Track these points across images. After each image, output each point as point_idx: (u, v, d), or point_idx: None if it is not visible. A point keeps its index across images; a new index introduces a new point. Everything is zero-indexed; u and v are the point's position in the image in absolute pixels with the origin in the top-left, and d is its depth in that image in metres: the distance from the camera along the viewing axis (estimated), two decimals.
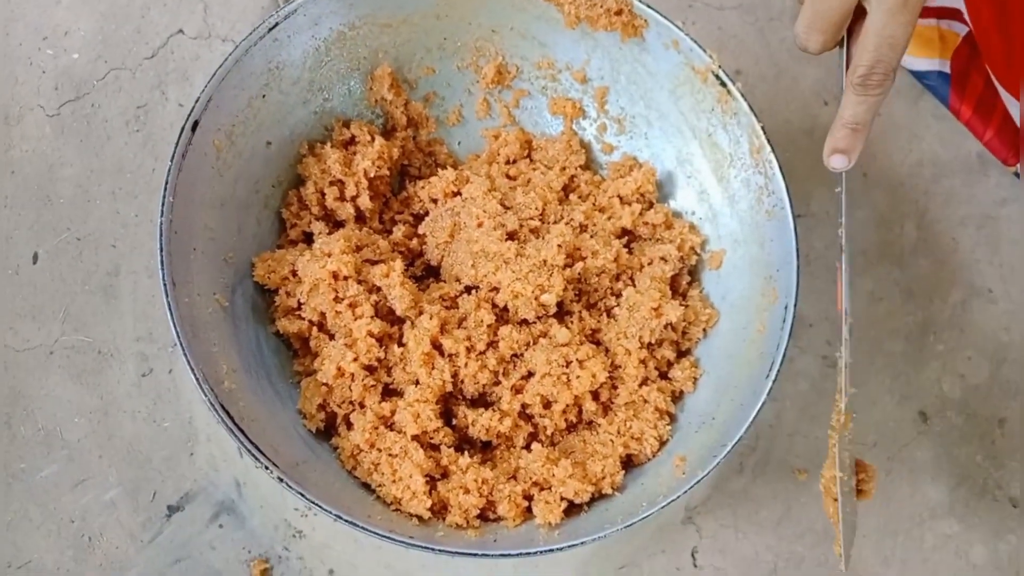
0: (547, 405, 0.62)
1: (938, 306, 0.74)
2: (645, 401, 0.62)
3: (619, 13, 0.63)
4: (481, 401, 0.63)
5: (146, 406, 0.68)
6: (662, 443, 0.61)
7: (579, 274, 0.63)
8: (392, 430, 0.60)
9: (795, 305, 0.59)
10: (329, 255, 0.61)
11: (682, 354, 0.65)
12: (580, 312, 0.64)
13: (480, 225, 0.62)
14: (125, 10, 0.75)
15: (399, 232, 0.66)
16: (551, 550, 0.54)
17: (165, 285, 0.55)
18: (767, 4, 0.80)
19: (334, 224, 0.66)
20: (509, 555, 0.53)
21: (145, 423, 0.67)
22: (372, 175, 0.65)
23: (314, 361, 0.62)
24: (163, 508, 0.66)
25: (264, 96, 0.62)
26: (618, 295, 0.64)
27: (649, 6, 0.63)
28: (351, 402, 0.61)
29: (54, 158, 0.72)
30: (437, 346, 0.61)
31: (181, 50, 0.75)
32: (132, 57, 0.74)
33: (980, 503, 0.70)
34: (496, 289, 0.62)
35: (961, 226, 0.76)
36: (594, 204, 0.68)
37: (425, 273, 0.67)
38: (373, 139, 0.66)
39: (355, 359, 0.59)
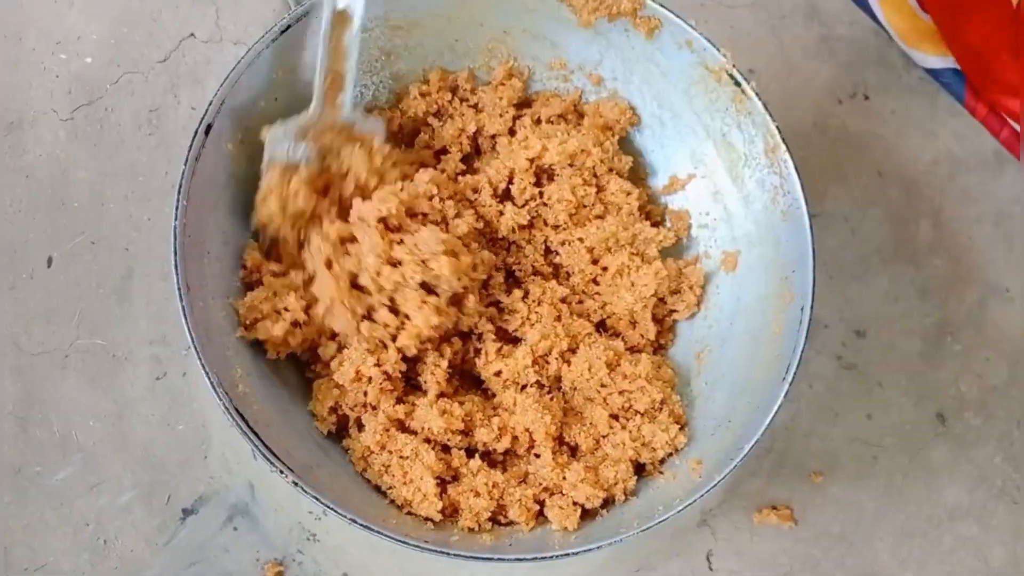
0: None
1: (955, 305, 0.74)
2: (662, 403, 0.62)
3: (632, 13, 0.63)
4: None
5: (160, 409, 0.68)
6: (676, 449, 0.61)
7: None
8: (403, 432, 0.60)
9: (811, 306, 0.58)
10: None
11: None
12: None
13: None
14: (137, 14, 0.75)
15: None
16: (567, 554, 0.54)
17: (179, 289, 0.55)
18: (779, 2, 0.79)
19: None
20: (524, 559, 0.53)
21: (159, 426, 0.67)
22: None
23: (320, 366, 0.62)
24: (178, 511, 0.66)
25: (276, 99, 0.62)
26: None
27: (662, 5, 0.63)
28: (363, 404, 0.61)
29: (68, 162, 0.72)
30: None
31: (193, 54, 0.75)
32: (144, 61, 0.74)
33: (999, 505, 0.70)
34: None
35: (978, 224, 0.75)
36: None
37: None
38: None
39: (376, 364, 0.59)
